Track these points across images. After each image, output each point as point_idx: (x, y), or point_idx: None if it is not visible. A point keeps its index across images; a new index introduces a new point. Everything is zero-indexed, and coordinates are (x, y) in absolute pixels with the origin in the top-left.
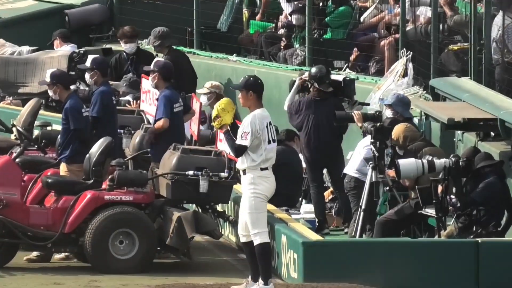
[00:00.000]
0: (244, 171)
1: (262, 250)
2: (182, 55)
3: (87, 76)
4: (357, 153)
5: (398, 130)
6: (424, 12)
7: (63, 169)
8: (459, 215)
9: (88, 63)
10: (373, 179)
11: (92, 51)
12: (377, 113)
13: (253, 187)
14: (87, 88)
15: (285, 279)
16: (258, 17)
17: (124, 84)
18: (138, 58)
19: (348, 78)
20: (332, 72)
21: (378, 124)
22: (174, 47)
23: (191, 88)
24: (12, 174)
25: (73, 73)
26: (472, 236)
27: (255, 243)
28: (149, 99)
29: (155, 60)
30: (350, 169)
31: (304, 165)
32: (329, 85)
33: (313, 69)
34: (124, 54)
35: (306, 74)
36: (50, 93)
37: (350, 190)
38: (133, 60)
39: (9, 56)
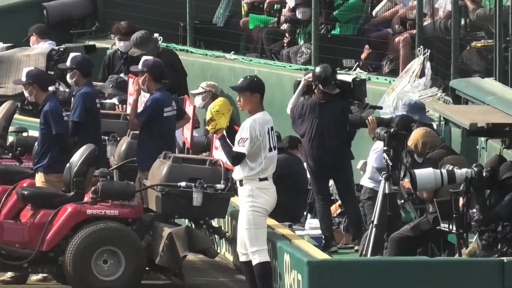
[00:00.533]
0: (241, 181)
1: (262, 270)
2: (173, 53)
3: (67, 77)
4: (369, 161)
5: (416, 135)
6: (444, 5)
7: (40, 179)
8: (482, 231)
9: (68, 62)
10: (387, 191)
11: (73, 49)
12: (395, 118)
13: (251, 199)
14: (67, 90)
15: None
16: (266, 5)
17: (111, 85)
18: (132, 58)
19: (358, 79)
20: (341, 72)
21: (392, 129)
22: (164, 45)
23: (183, 89)
24: None
25: (52, 72)
26: (496, 255)
27: (254, 262)
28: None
29: (143, 59)
30: (364, 179)
31: (309, 175)
32: (335, 86)
33: (317, 69)
34: (119, 52)
35: (310, 75)
36: (26, 94)
37: (365, 202)
38: (126, 59)
39: None
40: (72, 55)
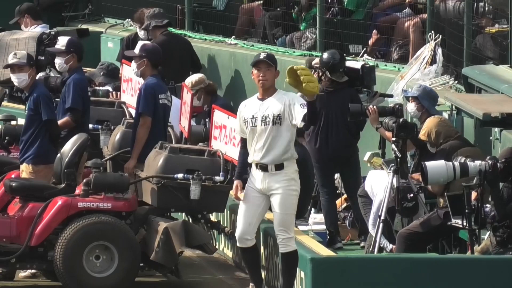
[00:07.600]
0: (280, 165)
1: (295, 258)
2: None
3: (58, 61)
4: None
5: (430, 124)
6: None
7: (26, 170)
8: (496, 227)
9: (61, 46)
10: (395, 185)
11: (65, 33)
12: (398, 106)
13: (294, 183)
14: (59, 76)
15: None
16: None
17: (101, 73)
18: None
19: (367, 65)
20: (347, 58)
21: (401, 119)
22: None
23: (185, 77)
24: None
25: (43, 57)
26: (511, 252)
27: (288, 250)
28: (131, 89)
29: (141, 43)
30: (371, 180)
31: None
32: (343, 74)
33: (325, 55)
34: (139, 38)
35: (317, 60)
36: (20, 76)
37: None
38: None
39: None
40: (65, 38)
